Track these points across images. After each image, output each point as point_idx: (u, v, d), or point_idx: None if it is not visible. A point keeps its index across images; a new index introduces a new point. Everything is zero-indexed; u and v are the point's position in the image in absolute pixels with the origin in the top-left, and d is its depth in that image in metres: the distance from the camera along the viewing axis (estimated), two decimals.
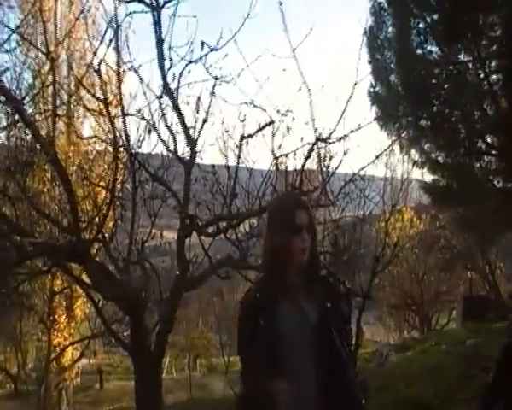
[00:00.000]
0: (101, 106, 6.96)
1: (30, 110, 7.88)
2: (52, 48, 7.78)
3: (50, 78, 7.17)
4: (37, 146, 6.73)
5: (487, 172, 10.33)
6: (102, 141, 8.13)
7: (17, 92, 6.92)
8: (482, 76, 9.35)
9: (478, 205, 10.02)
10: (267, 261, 2.51)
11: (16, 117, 6.76)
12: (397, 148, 11.19)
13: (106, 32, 6.52)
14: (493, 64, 9.20)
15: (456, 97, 9.33)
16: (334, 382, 2.34)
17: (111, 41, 6.40)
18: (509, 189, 9.92)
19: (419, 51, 9.59)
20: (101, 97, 6.75)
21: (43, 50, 7.69)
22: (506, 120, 8.94)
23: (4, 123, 7.37)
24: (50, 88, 7.38)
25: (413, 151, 10.66)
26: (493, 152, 10.10)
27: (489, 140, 10.07)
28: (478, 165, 10.38)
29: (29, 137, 7.25)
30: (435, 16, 9.29)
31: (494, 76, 9.45)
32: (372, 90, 9.99)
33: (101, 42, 6.74)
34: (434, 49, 9.61)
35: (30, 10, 9.25)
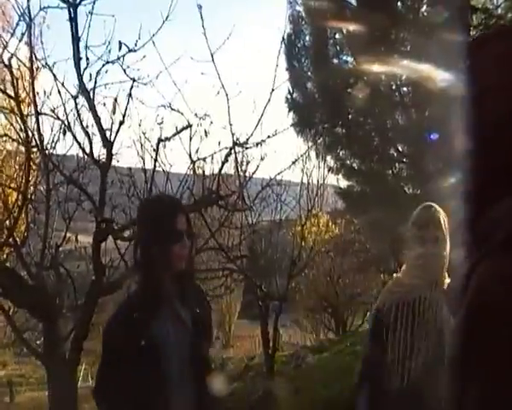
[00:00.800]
0: (13, 103, 6.71)
1: None
2: None
3: None
4: None
5: (398, 178, 10.82)
6: (14, 140, 7.84)
7: None
8: (394, 87, 9.80)
9: (390, 210, 10.46)
10: (143, 272, 2.32)
11: None
12: (313, 154, 11.49)
13: (17, 24, 6.30)
14: (404, 77, 9.67)
15: (369, 107, 9.71)
16: (205, 394, 2.29)
17: (23, 35, 6.19)
18: (417, 195, 10.43)
19: (335, 61, 9.92)
20: (13, 94, 6.51)
21: None
22: (415, 129, 9.41)
23: None
24: None
25: (329, 157, 10.99)
26: (404, 160, 10.60)
27: (400, 148, 10.57)
28: (390, 172, 10.86)
29: None
30: (351, 28, 9.63)
31: (404, 88, 9.94)
32: (289, 96, 10.22)
33: (12, 35, 6.50)
34: (350, 59, 9.97)
35: None
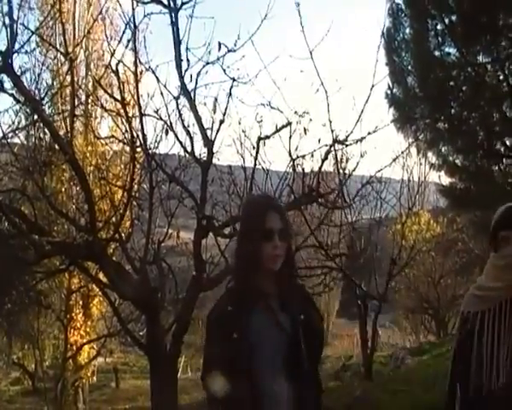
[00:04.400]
0: (119, 106, 7.01)
1: (48, 110, 7.99)
2: (71, 49, 7.88)
3: (69, 78, 7.26)
4: (56, 146, 6.79)
5: (506, 175, 10.22)
6: (120, 141, 8.19)
7: (36, 92, 6.99)
8: (501, 78, 9.26)
9: (496, 208, 9.91)
10: (238, 269, 2.33)
11: (35, 117, 6.83)
12: (414, 150, 11.12)
13: (124, 32, 6.60)
14: None
15: (474, 99, 9.24)
16: (301, 401, 2.22)
17: (129, 42, 6.47)
18: None
19: (437, 53, 9.51)
20: (119, 98, 6.80)
21: (62, 51, 7.79)
22: None
23: (23, 123, 7.47)
24: (69, 88, 7.48)
25: (430, 154, 10.57)
26: None
27: (508, 143, 9.96)
28: (496, 168, 10.28)
29: (47, 137, 7.33)
30: (453, 17, 9.21)
31: None
32: (389, 92, 9.92)
33: (119, 42, 6.83)
34: (452, 50, 9.52)
35: (49, 12, 9.35)
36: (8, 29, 5.61)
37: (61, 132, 6.99)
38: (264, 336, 2.20)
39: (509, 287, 2.56)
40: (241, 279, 2.28)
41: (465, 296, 2.91)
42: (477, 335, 2.58)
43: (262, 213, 2.24)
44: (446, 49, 9.61)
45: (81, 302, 14.35)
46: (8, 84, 6.05)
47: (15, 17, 5.72)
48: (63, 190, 9.99)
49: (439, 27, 9.40)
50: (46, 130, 7.00)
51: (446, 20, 9.29)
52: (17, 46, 5.87)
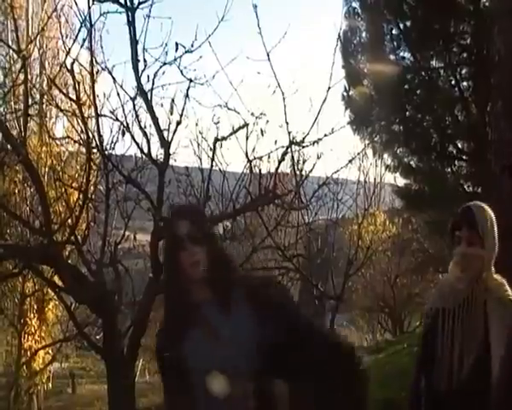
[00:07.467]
0: (74, 106, 6.89)
1: (0, 109, 7.80)
2: (24, 46, 7.71)
3: (22, 76, 7.10)
4: (8, 146, 6.63)
5: (458, 176, 10.53)
6: (75, 142, 8.04)
7: None
8: (453, 82, 9.55)
9: (449, 209, 10.19)
10: (166, 284, 2.27)
11: None
12: (370, 152, 11.33)
13: (79, 31, 6.46)
14: (464, 71, 9.39)
15: (427, 103, 9.50)
16: None
17: (84, 40, 6.35)
18: (478, 193, 10.12)
19: (392, 57, 9.74)
20: (74, 97, 6.68)
21: (15, 48, 7.62)
22: (476, 126, 9.13)
23: None
24: (22, 87, 7.31)
25: (386, 155, 10.82)
26: (464, 157, 10.30)
27: (460, 145, 10.27)
28: (449, 169, 10.59)
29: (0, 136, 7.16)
30: (408, 23, 9.45)
31: (465, 83, 9.66)
32: (346, 94, 10.10)
33: (74, 41, 6.68)
34: (407, 55, 9.78)
35: (0, 6, 9.14)
36: None
37: (14, 132, 6.82)
38: (202, 351, 2.09)
39: (468, 284, 2.68)
40: (169, 293, 2.18)
41: (430, 294, 3.05)
42: (439, 332, 2.72)
43: (172, 224, 2.17)
44: (401, 54, 9.87)
45: (36, 307, 14.06)
46: None
47: None
48: (16, 191, 9.77)
49: (394, 32, 9.64)
50: None
51: (401, 25, 9.53)
52: None
